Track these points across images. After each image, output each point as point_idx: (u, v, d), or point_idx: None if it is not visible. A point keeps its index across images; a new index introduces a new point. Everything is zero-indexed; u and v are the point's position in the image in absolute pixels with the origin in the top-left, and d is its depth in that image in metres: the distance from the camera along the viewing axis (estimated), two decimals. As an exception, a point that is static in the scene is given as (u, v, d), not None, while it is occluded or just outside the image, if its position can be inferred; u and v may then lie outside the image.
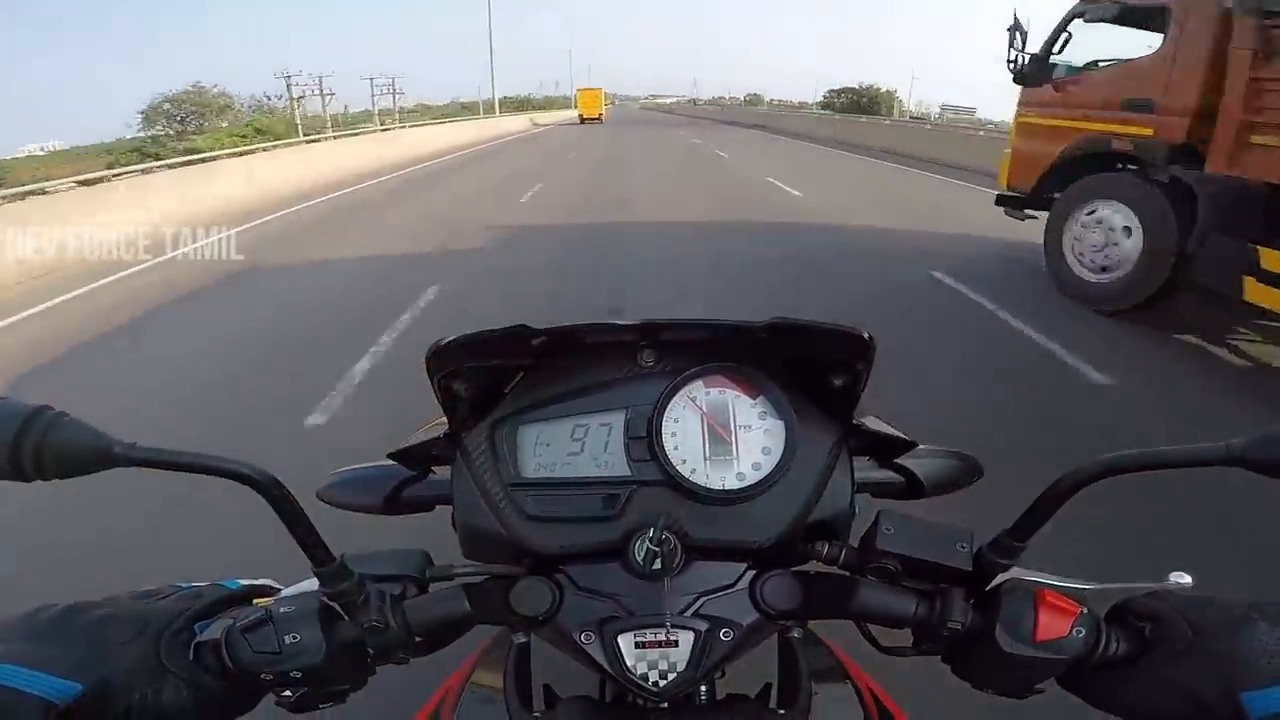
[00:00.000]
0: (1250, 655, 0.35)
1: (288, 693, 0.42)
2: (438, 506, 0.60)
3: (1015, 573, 0.44)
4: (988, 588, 0.44)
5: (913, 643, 0.47)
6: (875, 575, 0.45)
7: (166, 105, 41.44)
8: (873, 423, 0.54)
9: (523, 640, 0.59)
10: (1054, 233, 4.84)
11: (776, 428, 0.52)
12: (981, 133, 17.55)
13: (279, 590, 0.47)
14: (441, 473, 0.58)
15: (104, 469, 0.35)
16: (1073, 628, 0.40)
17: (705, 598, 0.48)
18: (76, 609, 0.40)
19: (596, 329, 0.52)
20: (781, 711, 0.61)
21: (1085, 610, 0.41)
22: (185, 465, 0.36)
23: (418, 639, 0.46)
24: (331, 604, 0.43)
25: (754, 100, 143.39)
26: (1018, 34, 4.97)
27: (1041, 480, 0.41)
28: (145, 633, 0.39)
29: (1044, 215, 5.09)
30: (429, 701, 0.67)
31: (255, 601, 0.45)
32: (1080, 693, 0.43)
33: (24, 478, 0.33)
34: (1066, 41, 4.93)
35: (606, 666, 0.47)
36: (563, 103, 79.48)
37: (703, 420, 0.52)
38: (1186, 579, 0.44)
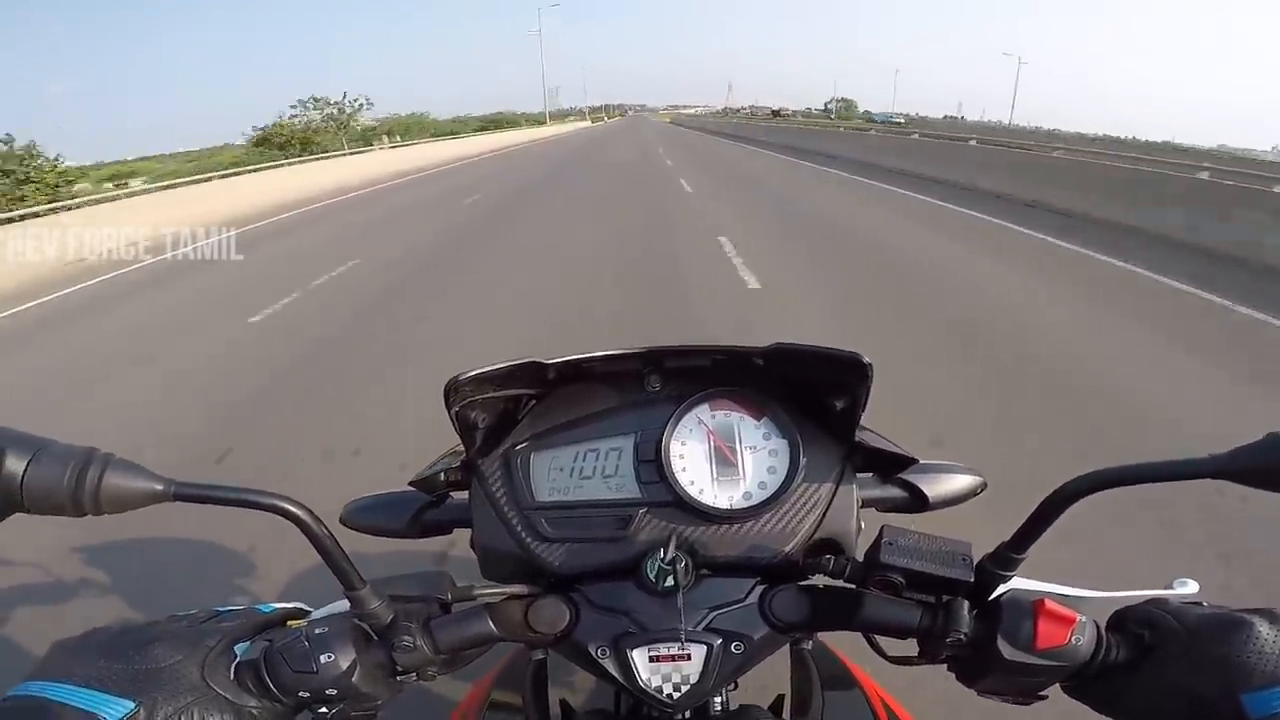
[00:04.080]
0: (1248, 657, 0.36)
1: (323, 709, 0.44)
2: (455, 529, 0.62)
3: (1017, 583, 0.46)
4: (989, 598, 0.45)
5: (919, 652, 0.48)
6: (880, 588, 0.46)
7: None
8: (874, 440, 0.55)
9: (540, 657, 0.61)
10: None
11: (781, 447, 0.54)
12: None
13: (310, 613, 0.50)
14: (459, 496, 0.60)
15: (153, 504, 0.38)
16: (1072, 636, 0.41)
17: (716, 612, 0.49)
18: (126, 632, 0.43)
19: (604, 359, 0.54)
20: None
21: (1083, 619, 0.42)
22: (225, 500, 0.39)
23: (444, 656, 0.48)
24: (362, 625, 0.46)
25: (848, 107, 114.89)
26: None
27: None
28: (190, 654, 0.42)
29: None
30: (450, 718, 0.69)
31: (289, 624, 0.48)
32: (1083, 698, 0.44)
33: (81, 514, 0.37)
34: None
35: (621, 680, 0.48)
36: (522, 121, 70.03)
37: (709, 442, 0.54)
38: (1192, 585, 0.45)
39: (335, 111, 37.69)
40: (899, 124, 68.75)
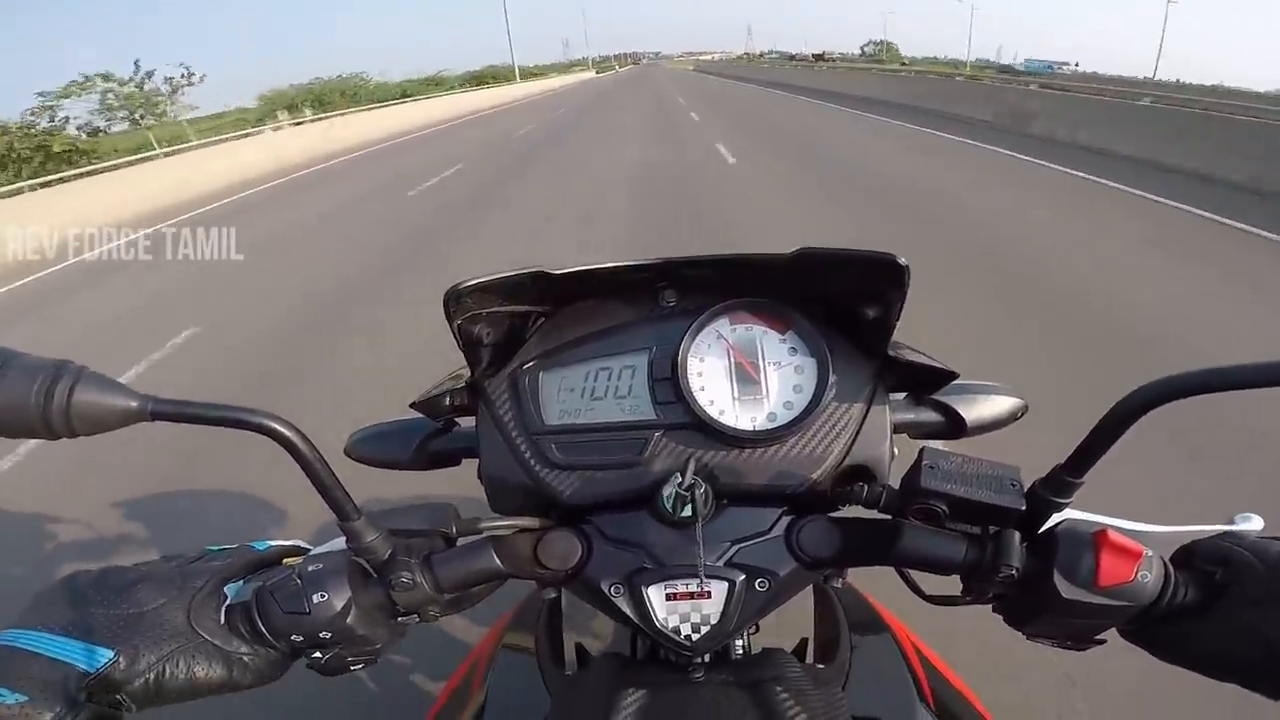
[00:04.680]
0: None
1: (318, 654, 0.42)
2: (464, 460, 0.59)
3: (1068, 514, 0.41)
4: (1041, 529, 0.41)
5: (962, 591, 0.44)
6: (919, 518, 0.42)
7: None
8: (909, 354, 0.51)
9: (553, 596, 0.58)
10: None
11: (808, 364, 0.50)
12: None
13: (309, 551, 0.47)
14: (467, 425, 0.57)
15: (129, 424, 0.35)
16: (1137, 571, 0.37)
17: (738, 545, 0.46)
18: (108, 575, 0.40)
19: (616, 269, 0.50)
20: (820, 666, 0.59)
21: (1150, 553, 0.38)
22: (209, 419, 0.35)
23: (446, 595, 0.45)
24: (359, 561, 0.43)
25: (887, 50, 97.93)
26: None
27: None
28: (176, 597, 0.40)
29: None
30: (463, 663, 0.68)
31: (285, 562, 0.45)
32: (1145, 644, 0.40)
33: (53, 435, 0.33)
34: None
35: (636, 620, 0.45)
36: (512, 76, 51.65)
37: (730, 358, 0.50)
38: (1256, 521, 0.41)
39: (136, 92, 23.63)
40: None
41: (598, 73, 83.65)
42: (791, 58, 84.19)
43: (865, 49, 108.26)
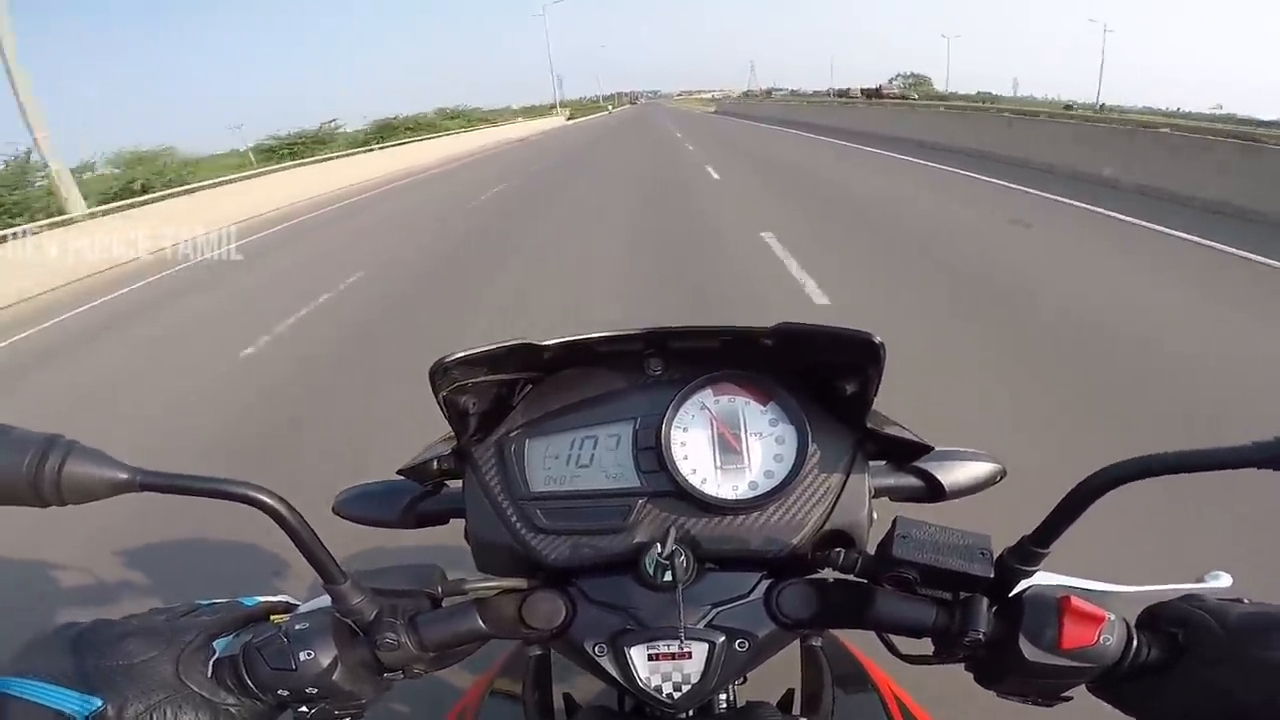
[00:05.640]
0: None
1: (304, 708, 0.43)
2: (452, 520, 0.60)
3: (1041, 578, 0.43)
4: (1010, 595, 0.42)
5: (934, 651, 0.46)
6: (893, 584, 0.44)
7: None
8: (887, 427, 0.53)
9: (539, 652, 0.59)
10: None
11: (788, 434, 0.51)
12: None
13: (297, 606, 0.48)
14: (456, 485, 0.58)
15: (118, 494, 0.36)
16: (1100, 635, 0.38)
17: (719, 608, 0.47)
18: (99, 626, 0.41)
19: (602, 340, 0.51)
20: (803, 719, 0.60)
21: (1112, 617, 0.39)
22: (194, 490, 0.37)
23: (431, 654, 0.46)
24: (345, 620, 0.44)
25: (919, 84, 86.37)
26: None
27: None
28: (165, 650, 0.40)
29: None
30: (451, 712, 0.68)
31: (272, 618, 0.46)
32: (1111, 700, 0.42)
33: (43, 504, 0.35)
34: None
35: (620, 679, 0.46)
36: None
37: (712, 428, 0.52)
38: (1225, 579, 0.42)
39: None
40: None
41: (570, 118, 56.08)
42: (842, 94, 66.97)
43: (894, 83, 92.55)
